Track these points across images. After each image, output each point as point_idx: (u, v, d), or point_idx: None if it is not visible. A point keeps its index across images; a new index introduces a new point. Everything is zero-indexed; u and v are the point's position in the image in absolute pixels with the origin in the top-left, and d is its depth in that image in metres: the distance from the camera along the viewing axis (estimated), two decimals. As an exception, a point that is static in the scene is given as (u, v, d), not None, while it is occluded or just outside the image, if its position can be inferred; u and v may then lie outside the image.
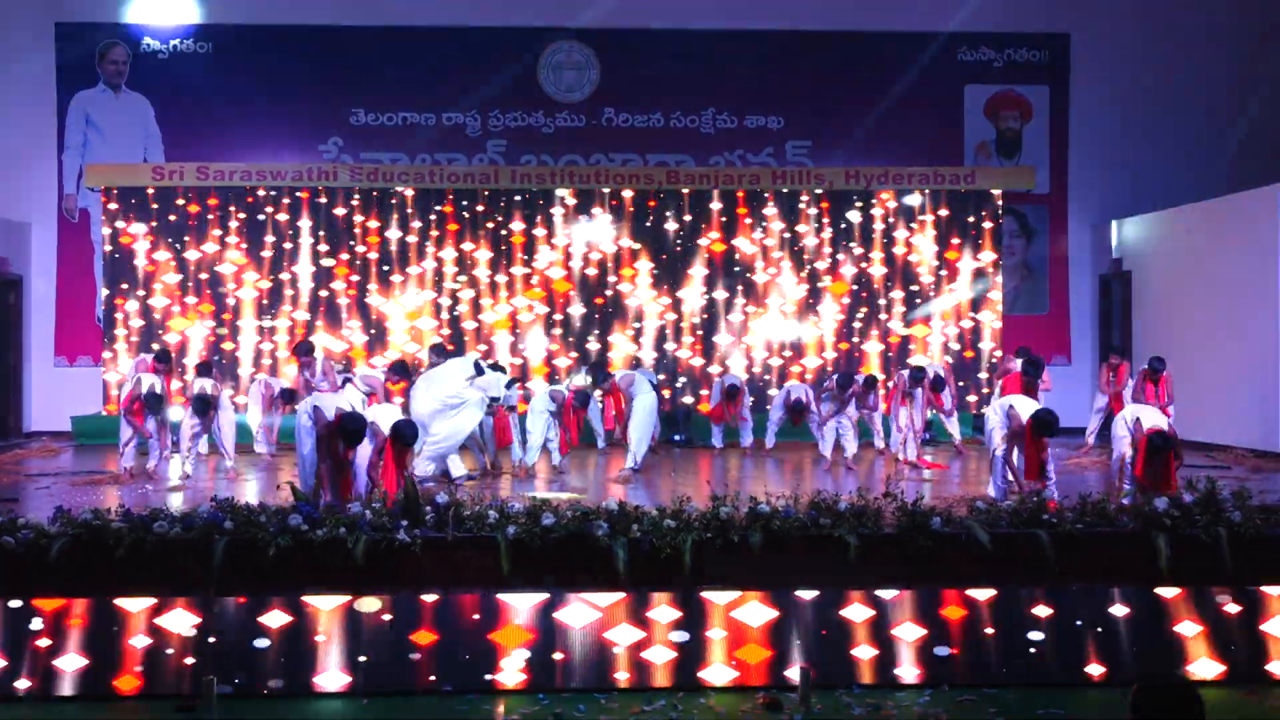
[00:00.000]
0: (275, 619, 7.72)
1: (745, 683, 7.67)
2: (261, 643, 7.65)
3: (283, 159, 15.95)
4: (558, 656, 7.71)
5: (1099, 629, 7.93)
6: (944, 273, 15.98)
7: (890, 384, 13.53)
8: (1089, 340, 17.05)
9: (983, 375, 15.77)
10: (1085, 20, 16.86)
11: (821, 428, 12.93)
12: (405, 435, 9.07)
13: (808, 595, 7.94)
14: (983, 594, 8.00)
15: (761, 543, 7.97)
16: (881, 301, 15.98)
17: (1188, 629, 7.95)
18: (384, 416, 9.42)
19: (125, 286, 15.55)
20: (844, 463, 12.66)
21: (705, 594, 7.91)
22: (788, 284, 15.90)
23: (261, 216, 15.63)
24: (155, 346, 14.65)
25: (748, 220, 15.92)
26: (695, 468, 12.81)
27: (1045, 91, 16.99)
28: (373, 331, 15.70)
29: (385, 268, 15.70)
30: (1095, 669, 7.85)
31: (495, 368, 12.49)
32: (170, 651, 7.61)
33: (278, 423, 12.35)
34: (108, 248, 15.59)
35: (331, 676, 7.60)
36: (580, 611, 7.83)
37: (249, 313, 15.63)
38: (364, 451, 9.09)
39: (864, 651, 7.81)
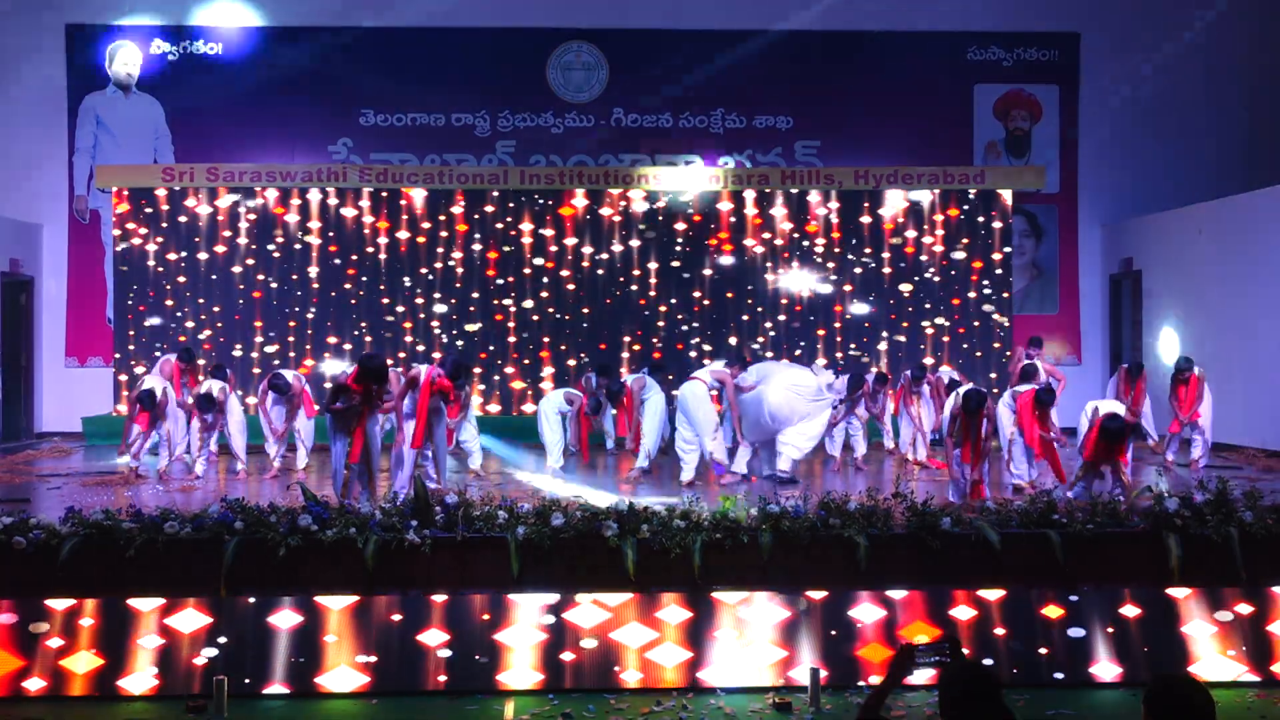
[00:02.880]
0: (286, 619, 7.74)
1: (755, 683, 7.66)
2: (272, 642, 7.66)
3: (292, 160, 15.98)
4: (567, 657, 7.71)
5: (1110, 630, 7.91)
6: (953, 272, 15.96)
7: (899, 383, 13.50)
8: (1099, 340, 17.01)
9: (992, 375, 15.73)
10: (1095, 19, 16.82)
11: (831, 428, 12.92)
12: (458, 375, 9.42)
13: (817, 595, 7.93)
14: (993, 594, 7.99)
15: (771, 543, 7.97)
16: (891, 301, 15.96)
17: (1198, 630, 7.92)
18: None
19: (136, 287, 15.60)
20: (853, 462, 12.65)
21: (715, 594, 7.91)
22: (797, 284, 15.89)
23: (271, 217, 15.67)
24: (179, 343, 14.72)
25: (757, 221, 15.90)
26: (705, 468, 12.78)
27: (1055, 91, 16.96)
28: (382, 332, 15.72)
29: (394, 268, 15.72)
30: (1106, 670, 7.83)
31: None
32: (181, 652, 7.63)
33: (280, 426, 12.34)
34: (118, 249, 15.64)
35: (341, 676, 7.61)
36: (590, 612, 7.83)
37: (259, 313, 15.65)
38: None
39: (874, 652, 7.79)
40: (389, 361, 12.89)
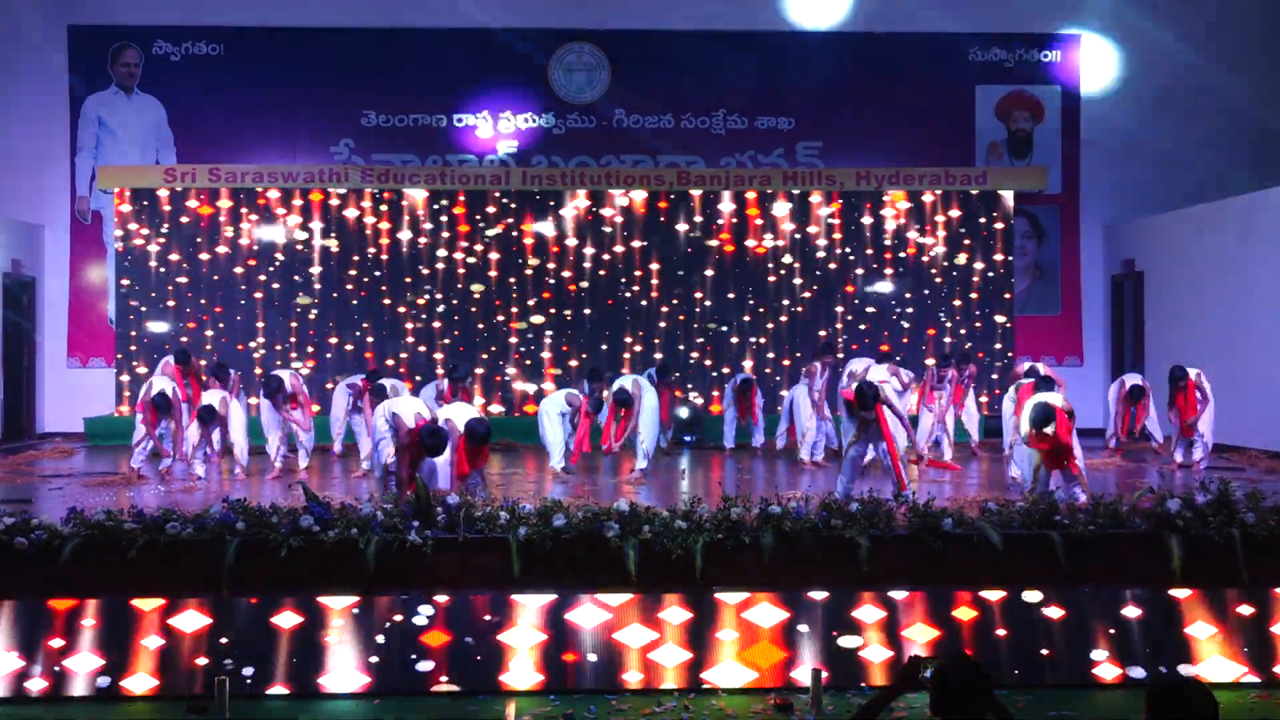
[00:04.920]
0: (287, 619, 7.74)
1: (756, 684, 7.66)
2: (273, 643, 7.66)
3: (294, 161, 15.99)
4: (569, 658, 7.71)
5: (1111, 631, 7.91)
6: (955, 274, 15.96)
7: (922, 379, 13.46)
8: (1101, 341, 17.00)
9: (994, 376, 15.73)
10: (1096, 21, 16.81)
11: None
12: (479, 434, 9.30)
13: (819, 596, 7.93)
14: (994, 595, 7.99)
15: (773, 544, 7.96)
16: (892, 303, 15.96)
17: (1200, 631, 7.92)
18: (458, 414, 9.62)
19: (137, 288, 15.61)
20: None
21: (716, 595, 7.91)
22: (798, 285, 15.89)
23: (273, 218, 15.68)
24: (177, 344, 14.75)
25: (758, 221, 15.91)
26: (706, 469, 12.80)
27: (1057, 92, 16.95)
28: (384, 333, 15.73)
29: (396, 269, 15.73)
30: (1107, 671, 7.83)
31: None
32: (182, 652, 7.63)
33: (278, 430, 12.34)
34: (120, 249, 15.65)
35: (343, 677, 7.61)
36: (591, 612, 7.83)
37: (261, 314, 15.67)
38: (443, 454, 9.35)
39: (875, 653, 7.79)
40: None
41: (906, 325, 15.96)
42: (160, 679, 7.56)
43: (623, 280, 15.86)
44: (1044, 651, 7.84)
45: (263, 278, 15.67)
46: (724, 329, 15.79)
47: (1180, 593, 8.02)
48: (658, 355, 15.76)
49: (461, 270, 15.76)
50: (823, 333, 15.73)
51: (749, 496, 8.32)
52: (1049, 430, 9.14)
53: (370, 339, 15.73)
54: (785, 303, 15.92)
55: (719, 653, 7.75)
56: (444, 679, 7.62)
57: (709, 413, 15.58)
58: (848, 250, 15.93)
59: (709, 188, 15.92)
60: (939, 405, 12.80)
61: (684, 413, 15.31)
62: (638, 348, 15.83)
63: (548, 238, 15.81)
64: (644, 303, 15.87)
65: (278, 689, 7.55)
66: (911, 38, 16.65)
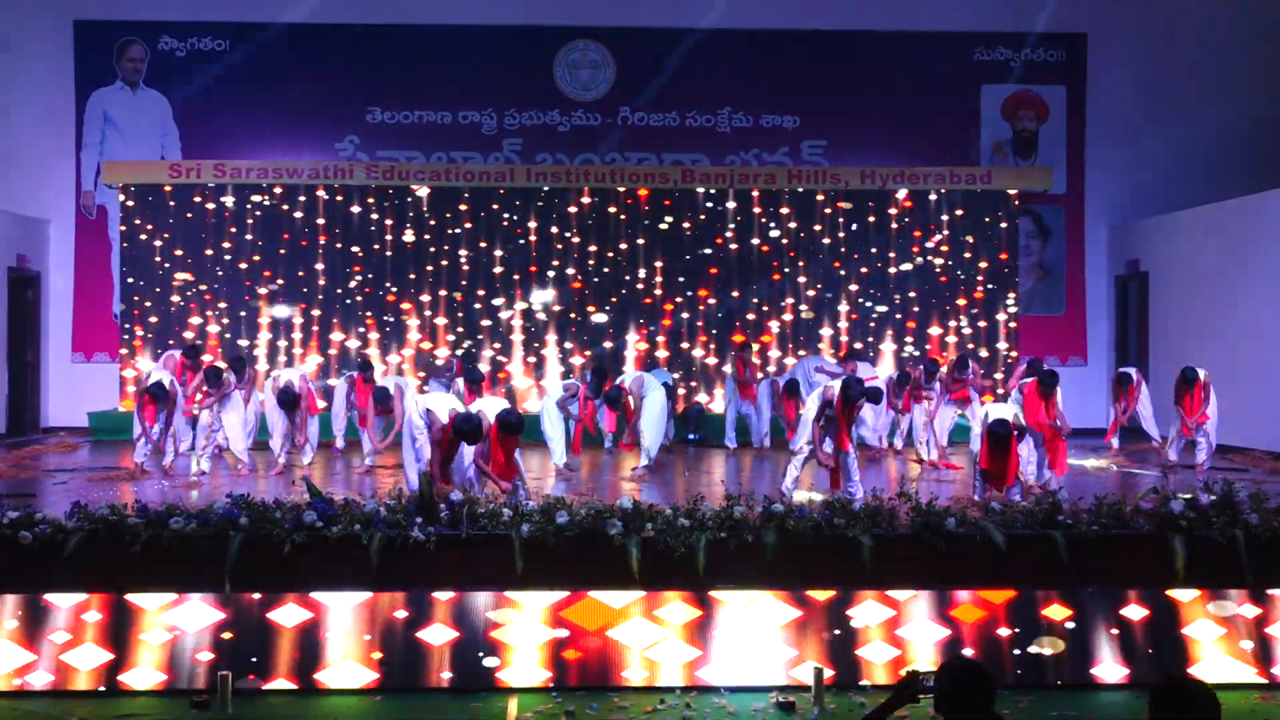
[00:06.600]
0: (290, 615, 7.75)
1: (758, 683, 7.66)
2: (276, 639, 7.67)
3: (299, 157, 15.99)
4: (571, 655, 7.71)
5: (1114, 631, 7.90)
6: (959, 273, 15.95)
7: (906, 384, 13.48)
8: (1105, 341, 16.99)
9: (997, 376, 15.72)
10: (1102, 20, 16.79)
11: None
12: (511, 424, 9.32)
13: (821, 595, 7.93)
14: (997, 595, 7.98)
15: (775, 542, 7.96)
16: (896, 301, 15.95)
17: (1203, 631, 7.92)
18: (489, 407, 9.66)
19: (142, 283, 15.62)
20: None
21: (718, 593, 7.91)
22: (803, 284, 15.89)
23: (278, 214, 15.69)
24: (185, 339, 14.77)
25: (763, 220, 15.90)
26: (709, 467, 12.80)
27: (1062, 91, 16.93)
28: (387, 329, 15.74)
29: (400, 265, 15.74)
30: (1110, 671, 7.83)
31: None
32: (186, 647, 7.64)
33: (281, 425, 12.33)
34: (125, 245, 15.66)
35: (345, 673, 7.62)
36: (594, 610, 7.84)
37: (265, 310, 15.68)
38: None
39: (877, 652, 7.79)
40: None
41: (911, 324, 15.94)
42: (163, 674, 7.57)
43: (626, 278, 15.85)
44: (1047, 651, 7.84)
45: (267, 273, 15.67)
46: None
47: (1183, 593, 8.02)
48: (662, 354, 15.77)
49: (466, 267, 15.75)
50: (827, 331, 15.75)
51: (752, 494, 8.33)
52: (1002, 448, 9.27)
53: (374, 335, 15.73)
54: (790, 301, 15.91)
55: (721, 651, 7.75)
56: (446, 675, 7.63)
57: (709, 411, 15.57)
58: (852, 249, 15.91)
59: (713, 185, 15.91)
60: (926, 408, 12.80)
61: (701, 399, 15.43)
62: (642, 345, 15.82)
63: (552, 235, 15.80)
64: (648, 301, 15.86)
65: (280, 685, 7.56)
66: (916, 37, 16.63)
